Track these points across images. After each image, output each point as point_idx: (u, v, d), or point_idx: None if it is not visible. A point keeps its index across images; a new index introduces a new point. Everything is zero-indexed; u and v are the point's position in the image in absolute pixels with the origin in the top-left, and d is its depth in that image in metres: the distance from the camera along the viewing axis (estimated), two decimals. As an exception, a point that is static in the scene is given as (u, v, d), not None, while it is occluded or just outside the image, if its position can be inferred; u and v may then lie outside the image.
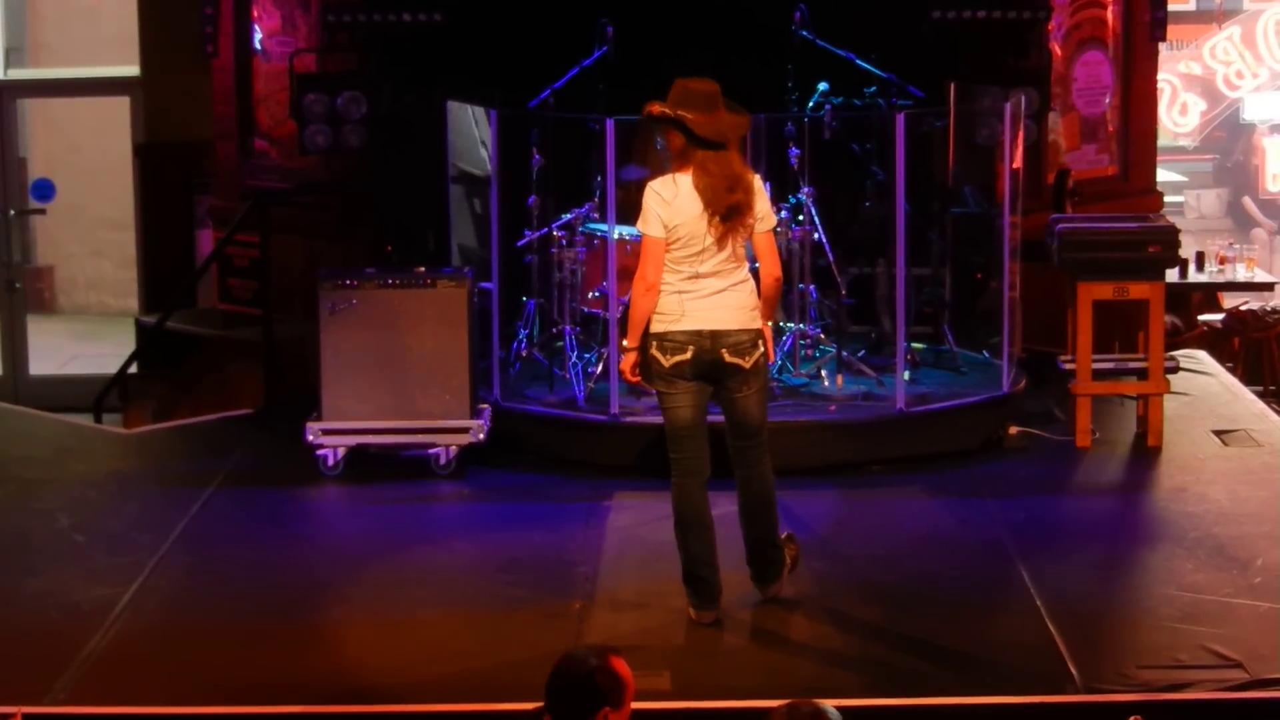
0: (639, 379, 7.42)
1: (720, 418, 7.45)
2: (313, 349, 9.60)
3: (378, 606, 7.69)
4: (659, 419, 7.48)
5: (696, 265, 7.19)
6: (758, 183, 7.30)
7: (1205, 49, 17.58)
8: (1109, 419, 10.25)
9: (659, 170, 10.47)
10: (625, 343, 7.44)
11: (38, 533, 8.74)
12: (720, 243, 7.15)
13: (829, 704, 4.67)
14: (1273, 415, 10.53)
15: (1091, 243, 9.87)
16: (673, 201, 7.18)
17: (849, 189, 10.85)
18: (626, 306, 9.52)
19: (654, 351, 7.25)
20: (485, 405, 9.69)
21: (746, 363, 7.23)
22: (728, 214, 7.14)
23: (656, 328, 7.26)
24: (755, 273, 7.39)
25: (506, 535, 8.63)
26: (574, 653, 4.98)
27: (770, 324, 7.51)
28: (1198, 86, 17.67)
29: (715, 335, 7.19)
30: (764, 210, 7.28)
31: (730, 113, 7.24)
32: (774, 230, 7.43)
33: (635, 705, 6.59)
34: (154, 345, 12.08)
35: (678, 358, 7.21)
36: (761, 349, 7.28)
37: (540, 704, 4.94)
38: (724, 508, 7.48)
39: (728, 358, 7.20)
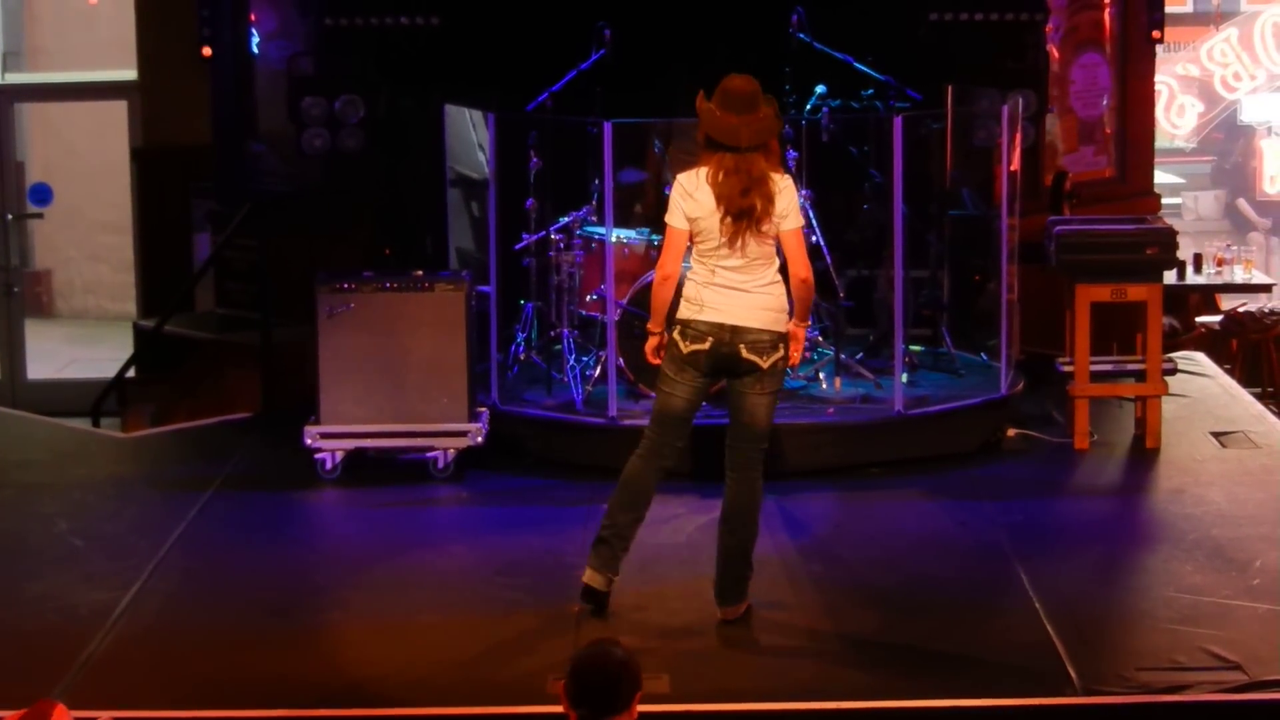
0: (660, 361, 7.43)
1: (721, 420, 7.46)
2: (311, 352, 9.59)
3: (376, 610, 7.69)
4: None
5: (719, 260, 7.21)
6: (784, 182, 7.24)
7: (1203, 51, 17.58)
8: (1107, 421, 10.25)
9: (659, 174, 10.54)
10: (649, 326, 7.46)
11: (36, 537, 8.73)
12: (731, 241, 7.17)
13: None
14: (1271, 417, 10.53)
15: (1089, 245, 9.88)
16: (694, 194, 7.21)
17: (847, 192, 10.84)
18: (626, 306, 9.57)
19: (675, 335, 7.27)
20: (483, 408, 9.69)
21: (764, 362, 7.22)
22: (738, 215, 7.15)
23: (682, 314, 7.28)
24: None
25: (505, 538, 8.63)
26: (592, 650, 4.87)
27: (804, 327, 7.45)
28: (1195, 88, 17.68)
29: (736, 330, 7.19)
30: (785, 209, 7.21)
31: (770, 113, 7.22)
32: (802, 229, 7.34)
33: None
34: (152, 349, 12.05)
35: (696, 346, 7.22)
36: (781, 353, 7.27)
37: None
38: (709, 514, 7.45)
39: (745, 353, 7.20)
